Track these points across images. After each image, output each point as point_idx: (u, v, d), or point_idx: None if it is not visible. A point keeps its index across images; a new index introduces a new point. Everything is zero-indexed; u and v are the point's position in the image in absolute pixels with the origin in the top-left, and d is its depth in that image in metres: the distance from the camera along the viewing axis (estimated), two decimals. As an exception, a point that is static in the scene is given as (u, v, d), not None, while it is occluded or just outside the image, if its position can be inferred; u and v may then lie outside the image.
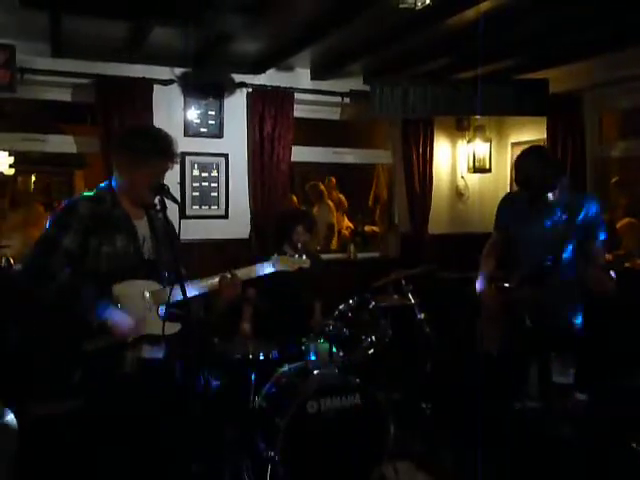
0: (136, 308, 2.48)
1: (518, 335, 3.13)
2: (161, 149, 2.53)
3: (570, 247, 3.10)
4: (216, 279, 2.64)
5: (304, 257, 2.91)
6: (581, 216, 3.07)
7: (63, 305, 2.38)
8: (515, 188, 4.15)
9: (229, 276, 2.65)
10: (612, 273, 2.87)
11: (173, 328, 2.51)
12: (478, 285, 3.41)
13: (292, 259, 2.88)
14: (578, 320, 3.20)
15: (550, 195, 3.14)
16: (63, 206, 2.53)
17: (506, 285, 3.24)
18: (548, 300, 3.08)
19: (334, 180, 7.99)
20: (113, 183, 2.60)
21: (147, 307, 2.51)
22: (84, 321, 2.36)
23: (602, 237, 3.10)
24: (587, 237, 3.08)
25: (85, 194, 2.61)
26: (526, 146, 5.70)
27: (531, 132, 5.77)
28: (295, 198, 7.38)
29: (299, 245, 3.67)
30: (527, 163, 3.18)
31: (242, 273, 2.71)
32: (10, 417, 2.53)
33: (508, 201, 3.51)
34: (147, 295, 2.51)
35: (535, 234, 3.19)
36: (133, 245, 2.55)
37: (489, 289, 3.35)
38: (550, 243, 3.11)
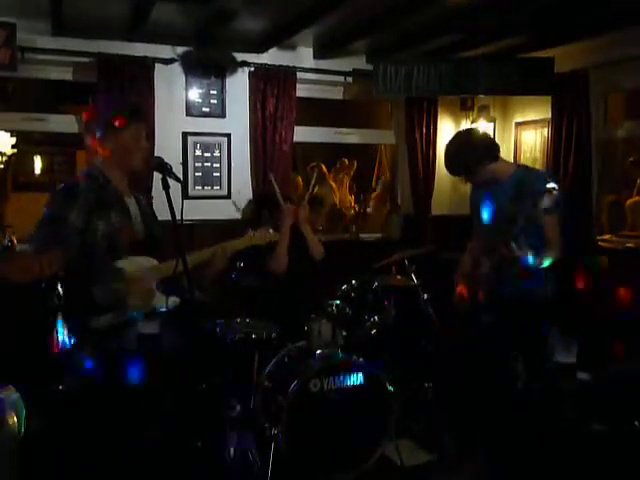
0: (139, 283, 2.49)
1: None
2: (133, 110, 2.58)
3: (521, 222, 3.11)
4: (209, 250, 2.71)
5: (271, 231, 2.91)
6: (529, 190, 3.03)
7: (71, 280, 2.39)
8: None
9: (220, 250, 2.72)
10: None
11: (173, 302, 2.57)
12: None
13: (264, 233, 2.88)
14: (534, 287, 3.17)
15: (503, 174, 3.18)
16: (63, 186, 2.54)
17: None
18: (503, 270, 3.10)
19: (346, 162, 7.94)
20: (98, 165, 2.59)
21: (148, 282, 2.52)
22: (90, 298, 2.36)
23: (546, 205, 3.03)
24: (532, 207, 3.03)
25: (81, 172, 2.63)
26: (530, 125, 5.80)
27: (536, 112, 5.73)
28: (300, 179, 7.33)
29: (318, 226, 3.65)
30: (451, 149, 3.21)
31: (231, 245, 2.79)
32: (16, 396, 2.53)
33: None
34: (148, 270, 2.52)
35: (490, 212, 3.24)
36: (128, 221, 2.58)
37: (462, 260, 3.43)
38: (502, 219, 3.10)
